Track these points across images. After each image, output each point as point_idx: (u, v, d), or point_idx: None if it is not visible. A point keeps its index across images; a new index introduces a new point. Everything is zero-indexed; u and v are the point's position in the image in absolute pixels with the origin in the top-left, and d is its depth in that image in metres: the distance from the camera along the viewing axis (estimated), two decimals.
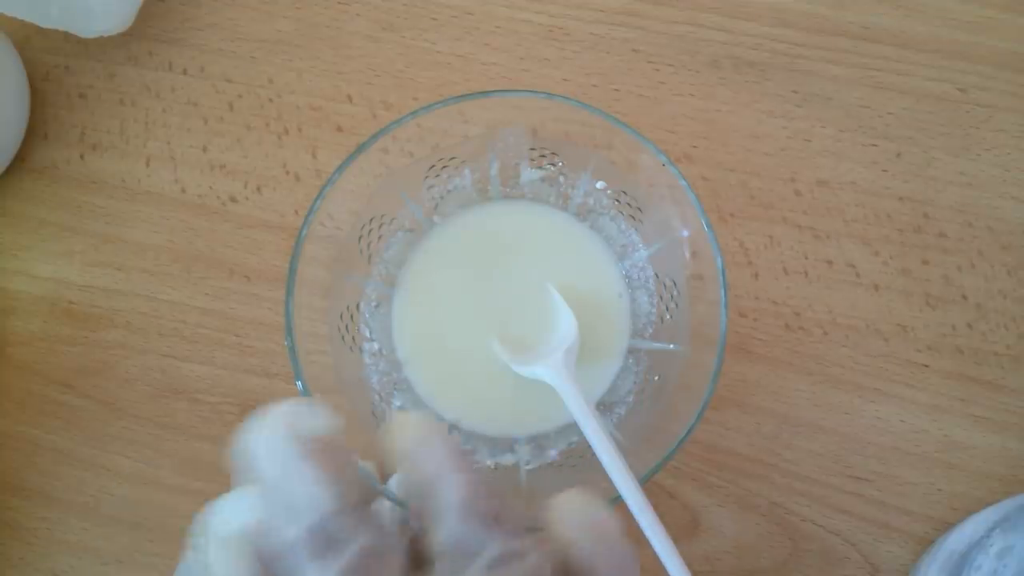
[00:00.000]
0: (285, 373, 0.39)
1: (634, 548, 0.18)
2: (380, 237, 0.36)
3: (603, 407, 0.35)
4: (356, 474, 0.16)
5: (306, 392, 0.30)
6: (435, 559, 0.16)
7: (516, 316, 0.36)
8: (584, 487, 0.18)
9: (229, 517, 0.16)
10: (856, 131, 0.40)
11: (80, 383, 0.39)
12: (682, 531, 0.37)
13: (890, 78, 0.41)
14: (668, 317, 0.35)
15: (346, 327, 0.35)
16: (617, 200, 0.36)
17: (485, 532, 0.16)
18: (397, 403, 0.35)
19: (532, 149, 0.36)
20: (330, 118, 0.41)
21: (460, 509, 0.16)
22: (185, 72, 0.42)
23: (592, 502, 0.17)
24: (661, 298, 0.35)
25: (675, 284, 0.34)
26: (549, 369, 0.32)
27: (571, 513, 0.17)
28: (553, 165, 0.36)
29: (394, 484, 0.30)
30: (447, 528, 0.16)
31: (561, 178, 0.36)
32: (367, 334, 0.36)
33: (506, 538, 0.16)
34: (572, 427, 0.34)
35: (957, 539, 0.34)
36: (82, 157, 0.41)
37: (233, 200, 0.40)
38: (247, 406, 0.38)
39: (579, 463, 0.33)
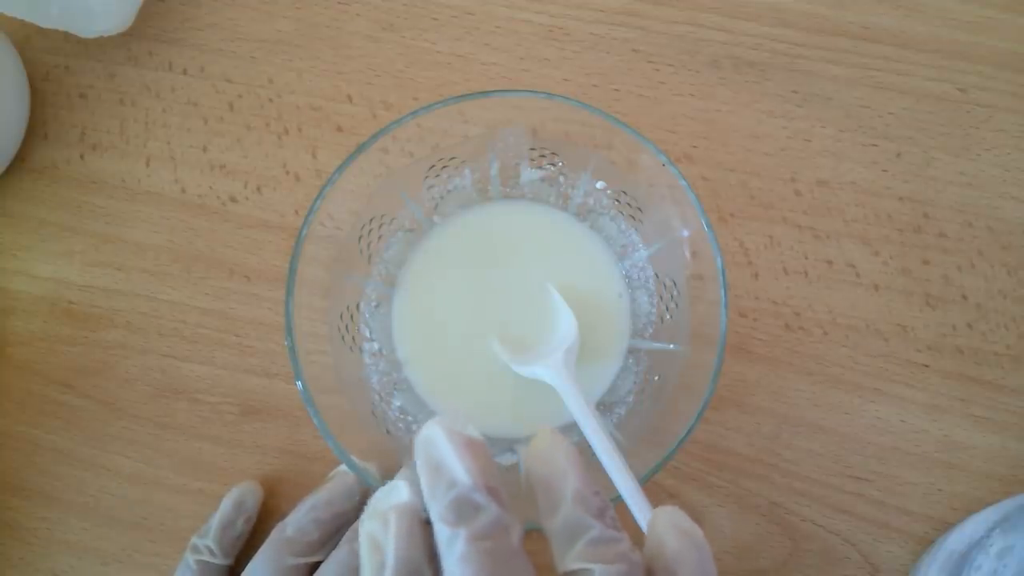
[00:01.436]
0: (285, 373, 0.39)
1: (713, 560, 0.21)
2: (380, 237, 0.36)
3: (603, 407, 0.35)
4: (494, 466, 0.21)
5: (306, 392, 0.30)
6: (550, 537, 0.21)
7: (516, 316, 0.36)
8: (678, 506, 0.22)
9: (388, 499, 0.21)
10: (856, 131, 0.40)
11: (80, 383, 0.39)
12: None
13: (890, 78, 0.41)
14: (668, 317, 0.35)
15: (346, 327, 0.35)
16: (617, 200, 0.36)
17: (591, 520, 0.21)
18: (397, 403, 0.35)
19: (532, 149, 0.36)
20: (330, 118, 0.41)
21: (574, 498, 0.21)
22: (185, 72, 0.42)
23: (685, 516, 0.22)
24: (661, 298, 0.35)
25: (675, 284, 0.34)
26: (549, 369, 0.32)
27: (666, 516, 0.22)
28: (553, 165, 0.36)
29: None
30: (563, 513, 0.21)
31: (561, 178, 0.36)
32: (367, 334, 0.36)
33: (606, 527, 0.21)
34: (572, 427, 0.34)
35: (957, 539, 0.34)
36: (82, 157, 0.41)
37: (233, 200, 0.41)
38: (247, 406, 0.38)
39: None
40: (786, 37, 0.41)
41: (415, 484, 0.21)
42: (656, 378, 0.35)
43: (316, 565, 0.33)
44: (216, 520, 0.35)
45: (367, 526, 0.21)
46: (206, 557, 0.34)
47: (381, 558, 0.20)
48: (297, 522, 0.33)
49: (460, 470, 0.20)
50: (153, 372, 0.39)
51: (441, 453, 0.21)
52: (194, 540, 0.35)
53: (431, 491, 0.21)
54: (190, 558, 0.34)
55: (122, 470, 0.38)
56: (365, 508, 0.21)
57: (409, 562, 0.20)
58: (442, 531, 0.20)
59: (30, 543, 0.38)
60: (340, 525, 0.34)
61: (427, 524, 0.21)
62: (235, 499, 0.35)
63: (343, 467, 0.35)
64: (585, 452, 0.31)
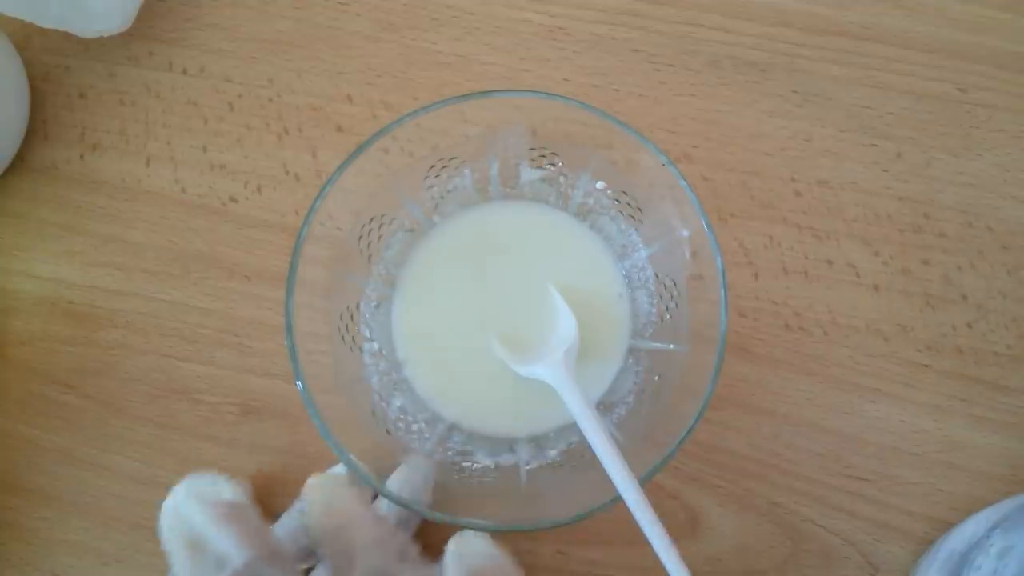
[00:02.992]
0: (285, 373, 0.39)
1: None
2: (380, 237, 0.36)
3: (603, 407, 0.35)
4: (263, 530, 0.18)
5: (306, 392, 0.30)
6: None
7: (516, 316, 0.36)
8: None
9: None
10: (856, 131, 0.40)
11: (80, 383, 0.39)
12: (682, 531, 0.37)
13: (890, 78, 0.41)
14: (668, 317, 0.35)
15: (346, 327, 0.35)
16: (617, 200, 0.36)
17: (396, 564, 0.19)
18: (397, 403, 0.35)
19: (532, 149, 0.36)
20: (330, 118, 0.41)
21: (373, 546, 0.19)
22: (185, 72, 0.42)
23: (488, 543, 0.21)
24: (661, 298, 0.35)
25: (675, 284, 0.34)
26: (549, 369, 0.32)
27: (468, 546, 0.20)
28: (553, 165, 0.36)
29: (393, 483, 0.30)
30: (364, 563, 0.19)
31: (561, 178, 0.36)
32: (367, 334, 0.36)
33: (414, 568, 0.19)
34: (572, 427, 0.34)
35: (957, 539, 0.34)
36: (82, 157, 0.41)
37: (233, 200, 0.41)
38: (247, 406, 0.38)
39: (579, 463, 0.33)
40: (786, 37, 0.41)
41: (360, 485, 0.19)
42: (656, 378, 0.35)
43: (307, 572, 0.32)
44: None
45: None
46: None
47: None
48: (285, 527, 0.33)
49: (229, 544, 0.18)
50: (153, 372, 0.39)
51: (198, 528, 0.18)
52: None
53: (193, 573, 0.18)
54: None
55: (122, 470, 0.38)
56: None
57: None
58: None
59: (30, 543, 0.38)
60: None
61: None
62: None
63: (334, 469, 0.35)
64: (585, 452, 0.31)
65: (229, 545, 0.18)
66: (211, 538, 0.18)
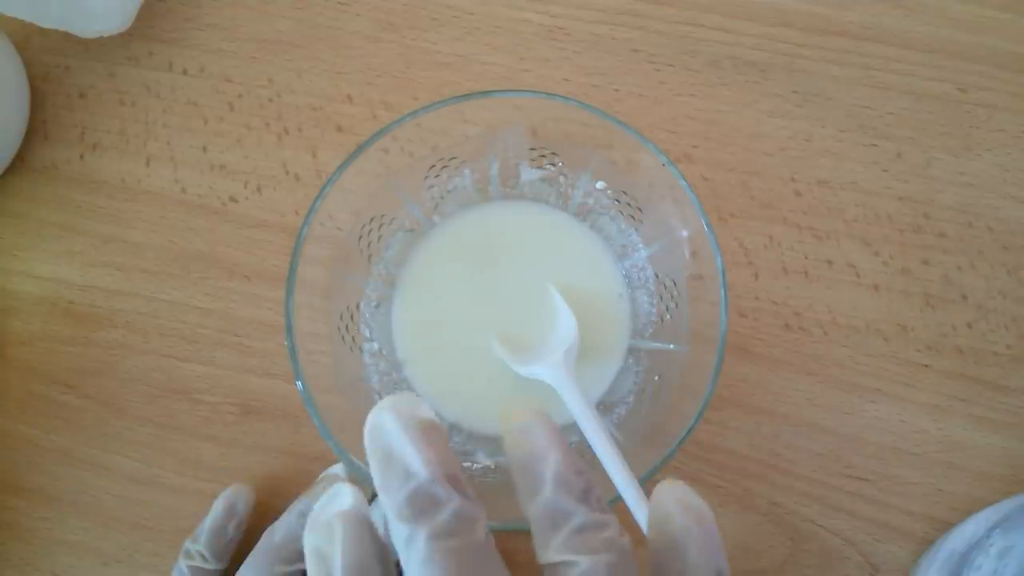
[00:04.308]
0: (285, 373, 0.39)
1: (720, 536, 0.20)
2: (380, 237, 0.36)
3: (603, 407, 0.35)
4: (450, 452, 0.19)
5: (306, 392, 0.30)
6: (531, 524, 0.19)
7: (516, 316, 0.36)
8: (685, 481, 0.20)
9: (330, 507, 0.19)
10: (856, 131, 0.40)
11: (80, 383, 0.39)
12: None
13: (890, 78, 0.41)
14: (668, 317, 0.35)
15: (346, 327, 0.35)
16: (617, 200, 0.36)
17: (574, 504, 0.19)
18: None
19: (532, 149, 0.36)
20: (330, 118, 0.41)
21: (555, 481, 0.19)
22: (185, 72, 0.42)
23: (691, 491, 0.20)
24: (661, 298, 0.35)
25: (675, 284, 0.34)
26: (549, 369, 0.32)
27: (672, 491, 0.20)
28: (553, 165, 0.36)
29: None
30: (543, 497, 0.19)
31: (561, 178, 0.36)
32: (367, 334, 0.36)
33: (591, 510, 0.19)
34: (572, 427, 0.34)
35: (957, 539, 0.34)
36: (82, 157, 0.41)
37: (233, 200, 0.41)
38: (247, 406, 0.38)
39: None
40: (786, 37, 0.41)
41: (362, 486, 0.20)
42: (656, 378, 0.35)
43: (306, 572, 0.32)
44: (206, 525, 0.35)
45: (310, 540, 0.19)
46: (198, 562, 0.34)
47: (328, 569, 0.18)
48: (286, 527, 0.33)
49: (415, 460, 0.18)
50: (153, 372, 0.39)
51: (392, 441, 0.19)
52: (187, 545, 0.35)
53: (384, 485, 0.19)
54: (183, 563, 0.34)
55: (122, 470, 0.38)
56: (308, 521, 0.19)
57: (359, 569, 0.18)
58: (399, 530, 0.18)
59: (30, 543, 0.38)
60: None
61: (375, 530, 0.19)
62: (225, 503, 0.35)
63: (333, 469, 0.35)
64: (585, 453, 0.31)
65: (415, 461, 0.18)
66: (399, 451, 0.19)
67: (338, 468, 0.35)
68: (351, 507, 0.19)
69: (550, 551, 0.19)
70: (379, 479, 0.19)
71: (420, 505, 0.18)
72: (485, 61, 0.42)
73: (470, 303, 0.36)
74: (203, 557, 0.34)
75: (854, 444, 0.37)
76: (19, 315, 0.40)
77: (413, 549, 0.18)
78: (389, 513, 0.18)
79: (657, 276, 0.35)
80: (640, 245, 0.36)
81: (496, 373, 0.35)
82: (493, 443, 0.35)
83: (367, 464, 0.20)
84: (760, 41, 0.41)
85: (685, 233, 0.33)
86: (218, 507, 0.35)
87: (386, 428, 0.19)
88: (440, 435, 0.19)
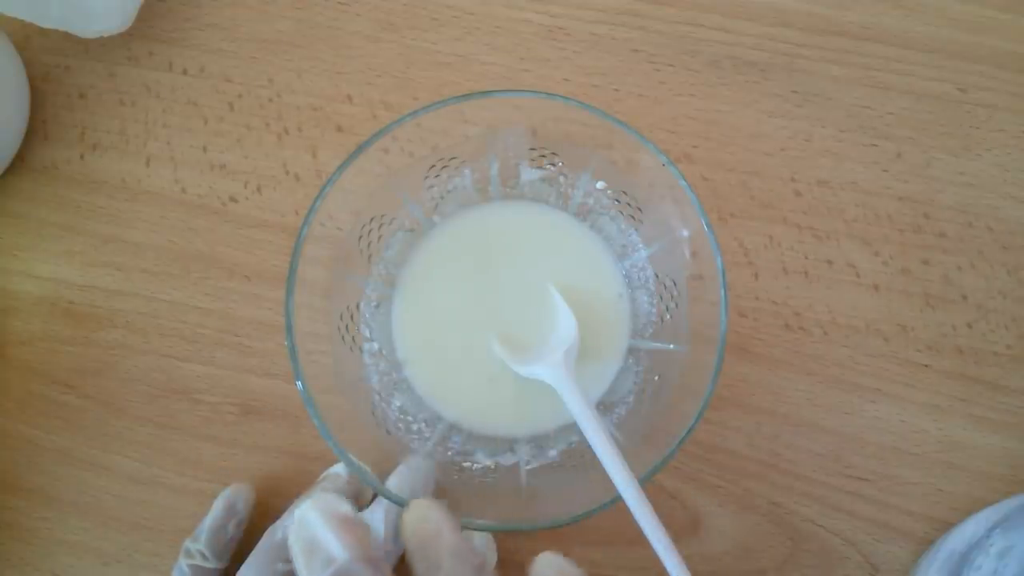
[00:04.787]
0: (285, 373, 0.39)
1: None
2: (380, 237, 0.36)
3: (603, 407, 0.35)
4: (370, 541, 0.21)
5: (306, 392, 0.30)
6: None
7: (516, 316, 0.36)
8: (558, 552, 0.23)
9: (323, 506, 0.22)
10: (856, 131, 0.40)
11: (80, 383, 0.39)
12: (682, 531, 0.37)
13: (890, 78, 0.41)
14: (668, 317, 0.35)
15: (346, 327, 0.35)
16: (617, 200, 0.36)
17: (473, 573, 0.21)
18: (397, 403, 0.35)
19: (532, 149, 0.36)
20: (330, 118, 0.41)
21: (454, 555, 0.21)
22: (185, 72, 0.42)
23: (569, 562, 0.22)
24: (661, 298, 0.35)
25: (675, 284, 0.34)
26: (549, 369, 0.32)
27: (549, 566, 0.22)
28: (553, 165, 0.36)
29: (392, 484, 0.30)
30: (445, 570, 0.21)
31: (561, 178, 0.36)
32: (367, 334, 0.36)
33: None
34: (572, 427, 0.34)
35: (957, 539, 0.34)
36: (82, 157, 0.41)
37: (233, 200, 0.41)
38: (247, 406, 0.38)
39: (579, 463, 0.33)
40: (786, 37, 0.41)
41: (361, 486, 0.22)
42: (656, 378, 0.35)
43: None
44: (207, 524, 0.35)
45: (299, 535, 0.21)
46: (198, 561, 0.34)
47: (322, 563, 0.20)
48: (287, 526, 0.33)
49: (336, 546, 0.20)
50: (153, 372, 0.39)
51: (315, 533, 0.21)
52: (187, 544, 0.35)
53: (308, 571, 0.21)
54: (183, 562, 0.34)
55: (122, 470, 0.38)
56: (296, 520, 0.22)
57: (363, 560, 0.20)
58: None
59: (30, 543, 0.38)
60: None
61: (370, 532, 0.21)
62: (225, 503, 0.35)
63: (334, 468, 0.35)
64: (585, 453, 0.31)
65: (335, 546, 0.21)
66: (321, 539, 0.21)
67: (338, 468, 0.35)
68: (345, 508, 0.21)
69: None
70: (304, 567, 0.21)
71: None
72: (485, 61, 0.42)
73: (470, 303, 0.36)
74: (203, 556, 0.34)
75: (854, 444, 0.37)
76: (19, 315, 0.40)
77: None
78: None
79: (657, 276, 0.35)
80: (640, 245, 0.36)
81: (496, 373, 0.35)
82: (493, 443, 0.35)
83: (364, 464, 0.21)
84: (760, 41, 0.41)
85: (685, 233, 0.33)
86: (218, 506, 0.35)
87: (309, 520, 0.21)
88: (361, 527, 0.21)
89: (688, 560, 0.27)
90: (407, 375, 0.36)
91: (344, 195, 0.32)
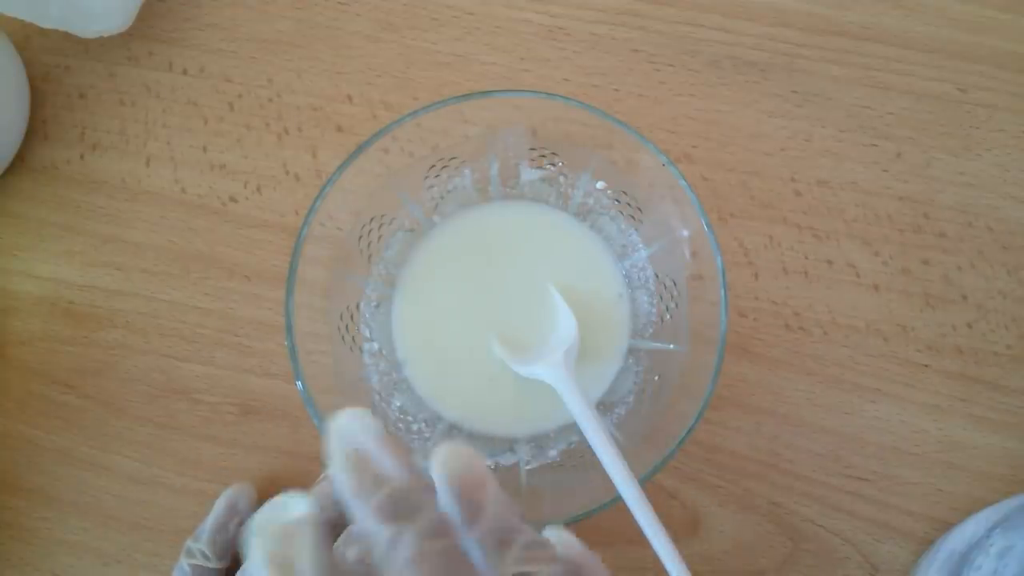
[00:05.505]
0: (285, 373, 0.39)
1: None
2: (380, 237, 0.36)
3: (603, 407, 0.35)
4: (419, 466, 0.19)
5: (306, 392, 0.30)
6: (473, 549, 0.19)
7: (516, 316, 0.36)
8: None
9: (280, 517, 0.19)
10: (856, 131, 0.40)
11: (80, 383, 0.39)
12: (682, 531, 0.37)
13: (890, 78, 0.41)
14: (668, 317, 0.35)
15: (346, 327, 0.35)
16: (617, 200, 0.36)
17: (519, 523, 0.20)
18: (397, 403, 0.35)
19: (532, 149, 0.36)
20: (330, 118, 0.41)
21: (498, 503, 0.20)
22: (185, 72, 0.42)
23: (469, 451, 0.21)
24: (661, 298, 0.35)
25: (675, 284, 0.34)
26: (549, 369, 0.32)
27: (457, 458, 0.20)
28: (553, 165, 0.36)
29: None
30: (488, 518, 0.19)
31: (561, 178, 0.36)
32: (367, 334, 0.36)
33: (532, 530, 0.20)
34: (572, 427, 0.34)
35: (957, 539, 0.34)
36: (82, 157, 0.41)
37: (233, 200, 0.41)
38: (247, 406, 0.38)
39: (579, 463, 0.33)
40: (786, 37, 0.41)
41: (319, 496, 0.19)
42: (656, 378, 0.35)
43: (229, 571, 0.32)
44: (208, 523, 0.35)
45: (262, 546, 0.18)
46: (200, 561, 0.34)
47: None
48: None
49: (393, 464, 0.19)
50: (153, 372, 0.39)
51: (366, 446, 0.19)
52: (188, 543, 0.35)
53: (356, 486, 0.19)
54: (184, 562, 0.34)
55: (122, 470, 0.38)
56: (256, 528, 0.19)
57: (330, 570, 0.18)
58: (378, 532, 0.18)
59: (30, 543, 0.38)
60: None
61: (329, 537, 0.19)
62: (227, 502, 0.35)
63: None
64: (586, 452, 0.31)
65: (393, 465, 0.19)
66: (375, 455, 0.19)
67: None
68: (312, 513, 0.19)
69: (506, 565, 0.19)
70: (350, 480, 0.19)
71: (401, 508, 0.18)
72: (485, 61, 0.42)
73: (470, 303, 0.36)
74: (204, 555, 0.34)
75: (854, 444, 0.37)
76: (19, 315, 0.40)
77: (398, 550, 0.18)
78: (362, 515, 0.18)
79: (657, 276, 0.35)
80: (640, 245, 0.36)
81: (496, 373, 0.35)
82: (493, 443, 0.35)
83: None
84: (760, 41, 0.41)
85: (685, 233, 0.33)
86: (220, 505, 0.35)
87: (356, 433, 0.19)
88: (408, 449, 0.20)
89: (688, 560, 0.27)
90: (407, 375, 0.36)
91: (344, 195, 0.32)
